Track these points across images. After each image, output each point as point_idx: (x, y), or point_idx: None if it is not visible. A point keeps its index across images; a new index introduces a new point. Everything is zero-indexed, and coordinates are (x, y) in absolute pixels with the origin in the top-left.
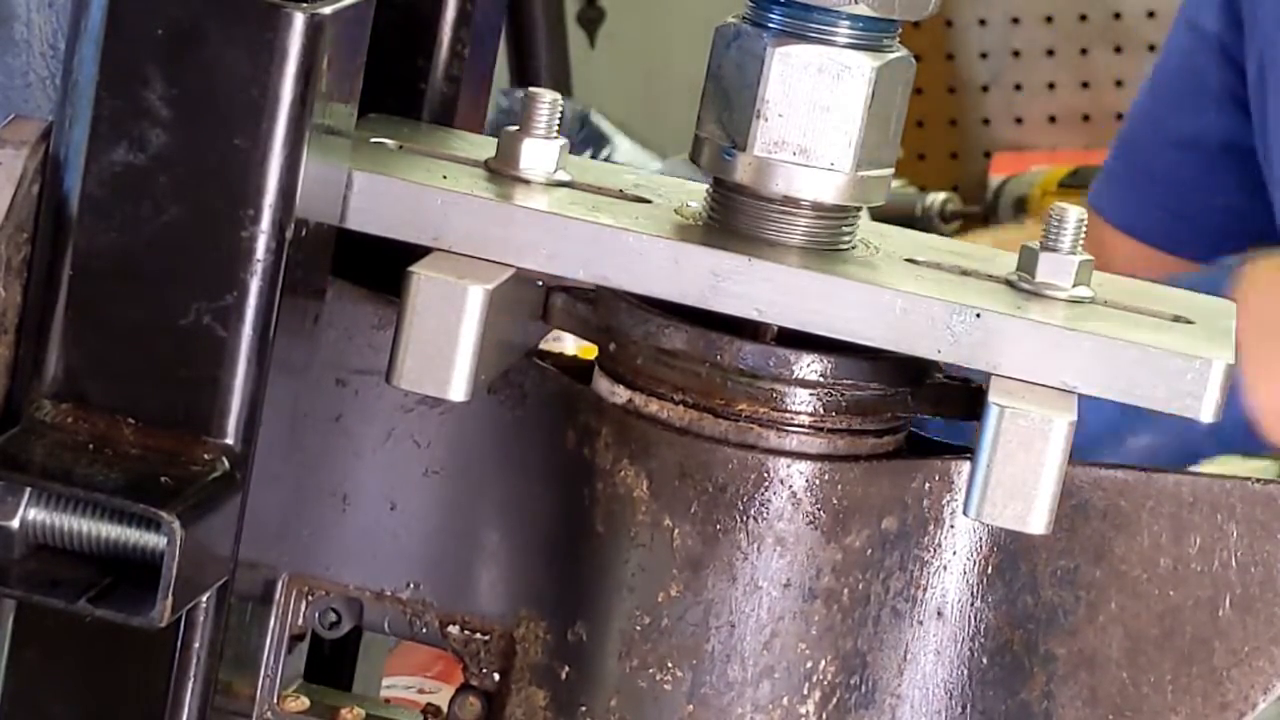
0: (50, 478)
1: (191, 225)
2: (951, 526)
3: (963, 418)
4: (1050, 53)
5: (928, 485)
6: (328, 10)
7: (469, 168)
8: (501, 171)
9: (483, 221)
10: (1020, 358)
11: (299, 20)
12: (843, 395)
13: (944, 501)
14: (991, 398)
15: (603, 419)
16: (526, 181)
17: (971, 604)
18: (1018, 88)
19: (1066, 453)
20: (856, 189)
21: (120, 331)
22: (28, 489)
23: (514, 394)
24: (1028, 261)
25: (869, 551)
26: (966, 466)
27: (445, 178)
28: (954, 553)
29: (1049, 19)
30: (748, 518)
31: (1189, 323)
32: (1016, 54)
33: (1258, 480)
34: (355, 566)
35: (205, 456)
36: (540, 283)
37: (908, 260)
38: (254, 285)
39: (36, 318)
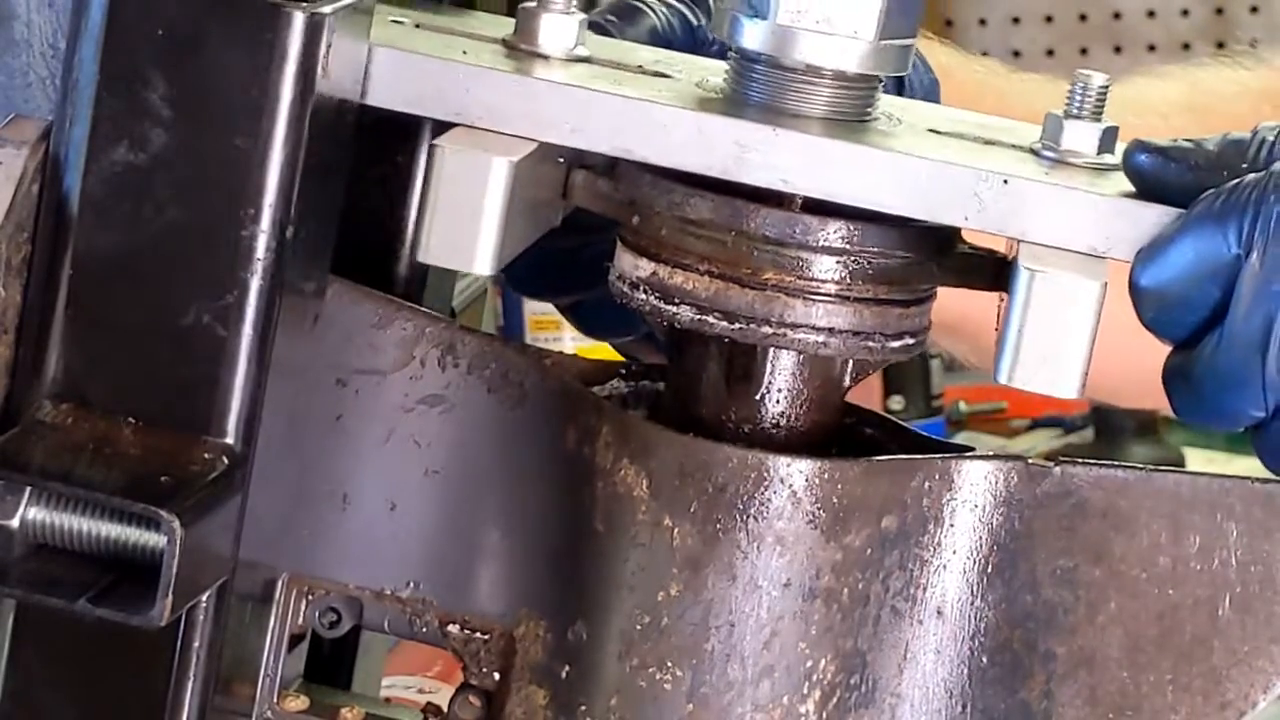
0: (50, 477)
1: (191, 225)
2: (951, 526)
3: (988, 287)
4: (1050, 53)
5: (928, 484)
6: (328, 10)
7: (488, 44)
8: (520, 47)
9: (506, 95)
10: (1048, 223)
11: (299, 20)
12: (869, 263)
13: (944, 501)
14: (1022, 262)
15: (603, 419)
16: (546, 57)
17: (971, 603)
18: None
19: (1098, 316)
20: (879, 58)
21: (120, 331)
22: (28, 489)
23: (514, 393)
24: (1052, 129)
25: (869, 551)
26: (966, 466)
27: (465, 53)
28: (954, 552)
29: (1049, 19)
30: (747, 517)
31: None
32: (1016, 54)
33: (1258, 480)
34: (355, 566)
35: (205, 456)
36: (561, 159)
37: (931, 130)
38: (254, 285)
39: (36, 318)
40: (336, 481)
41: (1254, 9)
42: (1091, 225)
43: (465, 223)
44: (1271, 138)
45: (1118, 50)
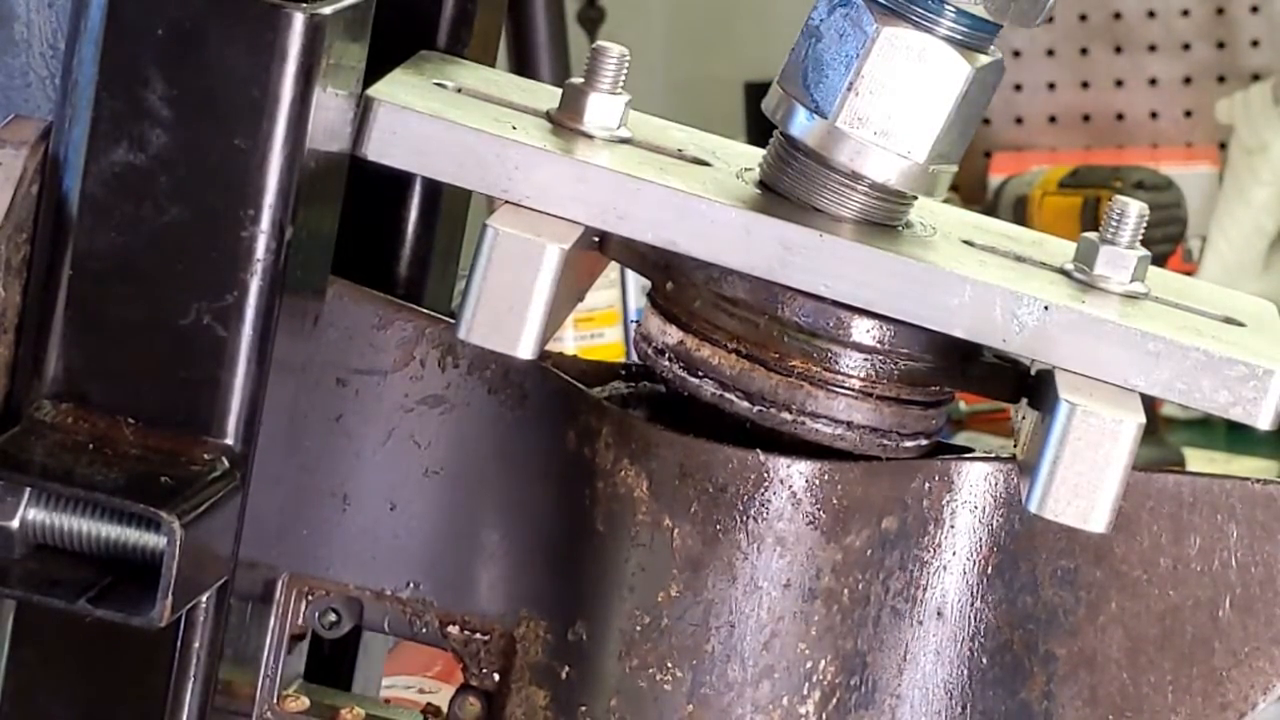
0: (50, 478)
1: (191, 225)
2: (951, 527)
3: (1009, 399)
4: (1050, 53)
5: (928, 485)
6: (328, 10)
7: (533, 118)
8: (565, 124)
9: (557, 178)
10: (1086, 354)
11: (299, 20)
12: (896, 363)
13: (944, 501)
14: (1062, 394)
15: (603, 419)
16: (590, 136)
17: (971, 604)
18: (1018, 88)
19: (1134, 454)
20: (923, 179)
21: (120, 331)
22: (28, 489)
23: (514, 394)
24: (1086, 253)
25: (869, 552)
26: (966, 467)
27: (515, 129)
28: (954, 553)
29: (1049, 19)
30: (748, 518)
31: (1239, 324)
32: (1016, 54)
33: (1258, 480)
34: (355, 566)
35: (205, 456)
36: (596, 239)
37: (965, 242)
38: (254, 285)
39: (36, 318)
40: (336, 482)
41: (1254, 9)
42: (1129, 360)
43: (513, 306)
44: None
45: (1118, 50)
